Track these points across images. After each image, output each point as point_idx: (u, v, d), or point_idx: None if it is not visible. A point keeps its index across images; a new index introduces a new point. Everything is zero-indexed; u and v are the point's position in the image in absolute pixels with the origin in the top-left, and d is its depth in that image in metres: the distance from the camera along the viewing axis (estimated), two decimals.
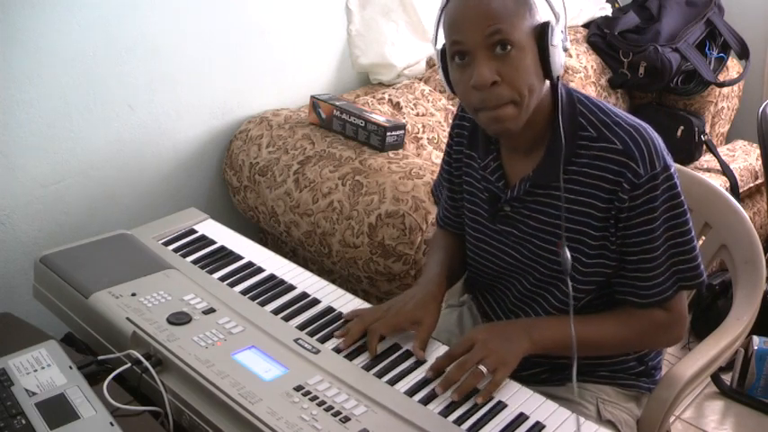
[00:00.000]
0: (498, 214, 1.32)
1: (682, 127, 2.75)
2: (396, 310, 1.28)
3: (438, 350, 1.25)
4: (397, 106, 2.28)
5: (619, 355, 1.36)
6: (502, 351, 1.18)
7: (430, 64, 2.56)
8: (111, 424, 1.06)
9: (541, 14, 1.17)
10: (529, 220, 1.28)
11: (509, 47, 1.13)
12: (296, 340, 1.24)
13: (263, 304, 1.35)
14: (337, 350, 1.23)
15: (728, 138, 3.04)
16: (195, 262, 1.49)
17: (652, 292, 1.23)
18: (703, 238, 1.49)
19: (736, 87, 2.94)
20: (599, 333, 1.26)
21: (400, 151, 2.01)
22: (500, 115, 1.16)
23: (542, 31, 1.15)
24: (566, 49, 1.19)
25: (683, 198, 1.22)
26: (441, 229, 1.53)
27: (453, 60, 1.19)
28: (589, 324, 1.25)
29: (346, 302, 1.37)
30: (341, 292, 1.40)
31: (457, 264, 1.45)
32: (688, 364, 1.37)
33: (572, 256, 1.20)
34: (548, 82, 1.21)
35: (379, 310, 1.29)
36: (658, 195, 1.19)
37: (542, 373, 1.35)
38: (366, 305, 1.36)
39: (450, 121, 2.32)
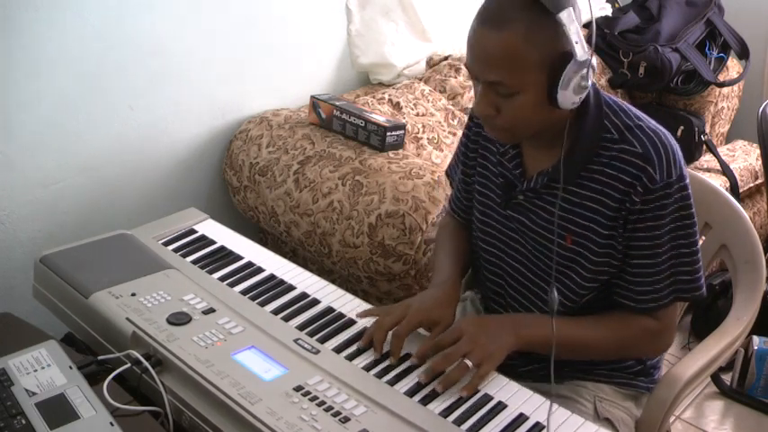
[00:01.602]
0: (511, 201, 1.33)
1: (682, 127, 2.75)
2: (415, 308, 1.27)
3: None
4: (397, 106, 2.28)
5: None
6: (488, 345, 1.18)
7: (430, 64, 2.56)
8: (111, 424, 1.06)
9: (565, 41, 1.11)
10: (540, 212, 1.29)
11: (512, 92, 1.14)
12: (296, 340, 1.24)
13: (262, 304, 1.35)
14: (337, 350, 1.23)
15: (728, 138, 3.04)
16: (195, 262, 1.49)
17: (647, 297, 1.24)
18: (703, 238, 1.49)
19: (736, 87, 2.94)
20: (586, 335, 1.27)
21: (400, 151, 2.01)
22: (496, 136, 1.26)
23: (557, 69, 1.11)
24: (584, 88, 1.14)
25: (693, 210, 1.22)
26: (450, 216, 1.53)
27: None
28: (578, 326, 1.26)
29: (346, 302, 1.37)
30: (341, 292, 1.40)
31: (466, 257, 1.46)
32: (688, 364, 1.37)
33: (580, 251, 1.24)
34: None
35: (398, 310, 1.27)
36: (669, 204, 1.19)
37: (541, 369, 1.35)
38: (366, 305, 1.36)
39: (451, 120, 2.34)
